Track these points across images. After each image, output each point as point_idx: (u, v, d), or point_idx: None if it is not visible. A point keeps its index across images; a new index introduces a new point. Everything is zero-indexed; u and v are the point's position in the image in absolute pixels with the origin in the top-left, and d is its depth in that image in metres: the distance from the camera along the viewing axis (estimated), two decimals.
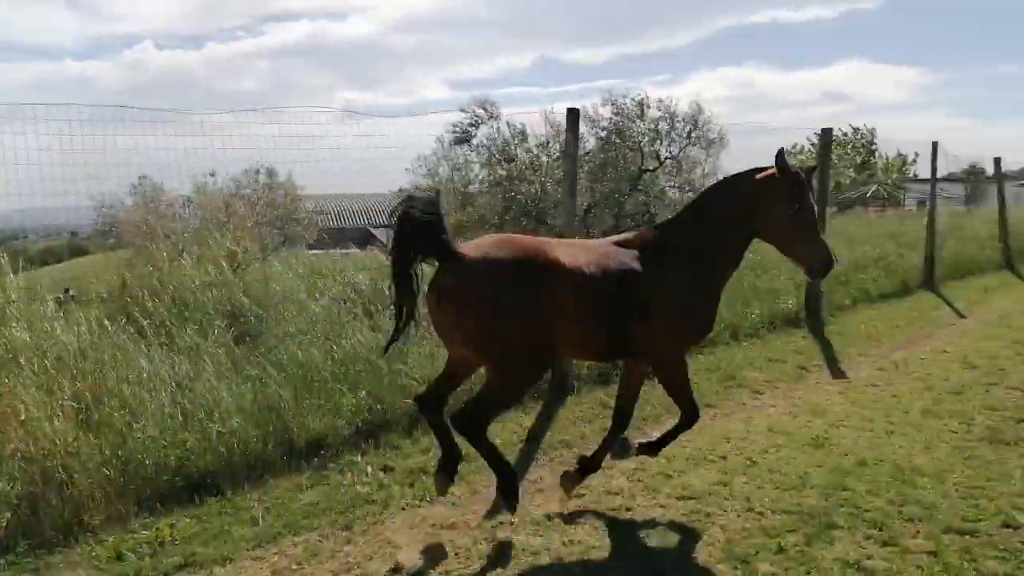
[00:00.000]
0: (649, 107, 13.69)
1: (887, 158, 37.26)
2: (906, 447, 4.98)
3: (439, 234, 3.51)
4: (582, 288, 3.61)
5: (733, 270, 4.11)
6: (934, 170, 12.64)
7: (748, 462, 4.80)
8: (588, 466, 4.18)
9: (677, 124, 13.81)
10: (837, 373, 7.09)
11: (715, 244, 3.95)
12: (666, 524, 4.02)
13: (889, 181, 35.92)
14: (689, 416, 4.09)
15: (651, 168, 13.66)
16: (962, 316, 9.91)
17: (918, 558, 3.55)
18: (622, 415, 4.25)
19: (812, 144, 27.97)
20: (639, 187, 13.24)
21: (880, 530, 3.83)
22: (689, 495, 4.35)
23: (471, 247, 3.61)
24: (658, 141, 13.90)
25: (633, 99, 13.62)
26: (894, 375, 6.93)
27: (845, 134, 36.72)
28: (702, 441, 5.19)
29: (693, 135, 13.92)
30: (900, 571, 3.46)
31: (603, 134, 13.55)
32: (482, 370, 3.97)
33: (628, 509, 4.21)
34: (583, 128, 8.37)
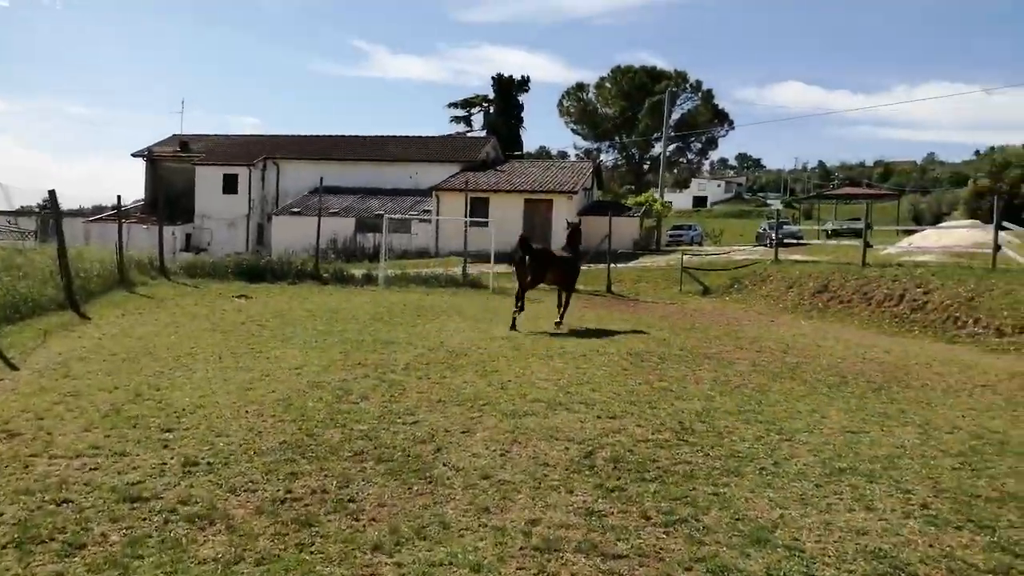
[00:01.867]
0: None
1: None
2: None
3: (530, 246, 13.26)
4: (556, 263, 13.58)
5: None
6: None
7: None
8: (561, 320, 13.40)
9: None
10: None
11: (575, 246, 14.48)
12: None
13: None
14: (569, 302, 13.91)
15: None
16: (14, 367, 8.57)
17: None
18: (560, 305, 13.77)
19: None
20: None
21: None
22: None
23: (536, 249, 13.54)
24: None
25: None
26: None
27: None
28: None
29: None
30: None
31: None
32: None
33: None
34: None
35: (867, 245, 19.41)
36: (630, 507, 4.61)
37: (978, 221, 27.71)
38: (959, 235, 22.84)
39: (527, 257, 13.17)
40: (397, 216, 32.23)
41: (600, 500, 4.72)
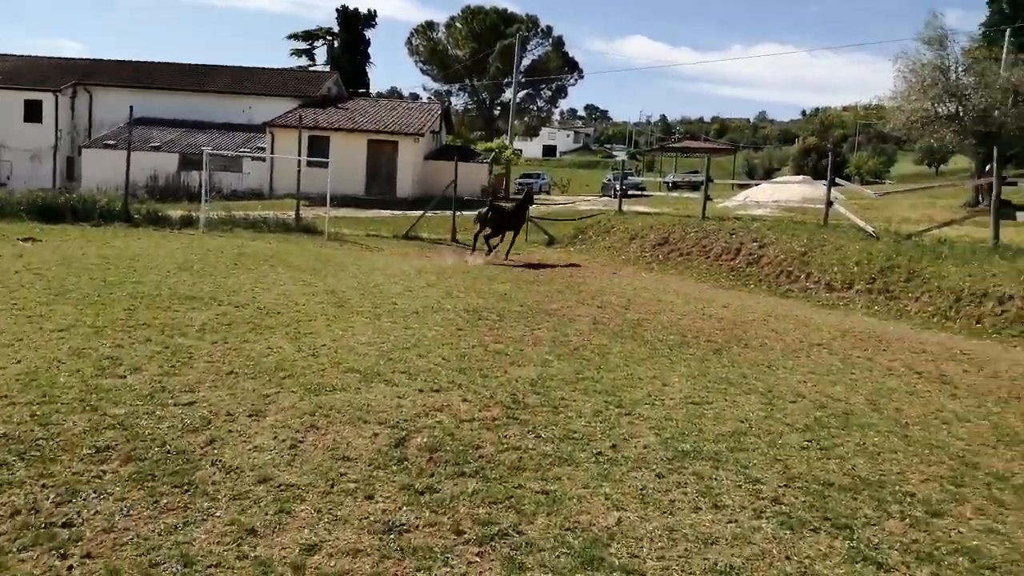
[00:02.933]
0: None
1: None
2: None
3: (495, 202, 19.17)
4: (508, 215, 17.69)
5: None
6: None
7: None
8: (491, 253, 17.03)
9: None
10: None
11: (526, 203, 18.54)
12: None
13: None
14: (515, 240, 18.29)
15: None
16: None
17: None
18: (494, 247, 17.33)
19: None
20: None
21: None
22: None
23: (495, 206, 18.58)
24: None
25: None
26: None
27: None
28: None
29: None
30: None
31: None
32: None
33: None
34: None
35: (707, 198, 19.52)
36: (441, 517, 3.73)
37: (808, 177, 28.93)
38: (792, 190, 23.61)
39: (490, 213, 17.44)
40: (225, 152, 29.60)
41: (405, 508, 3.81)
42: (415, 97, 79.69)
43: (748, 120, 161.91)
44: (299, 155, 21.22)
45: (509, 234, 17.72)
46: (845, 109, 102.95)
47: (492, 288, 11.97)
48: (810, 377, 7.21)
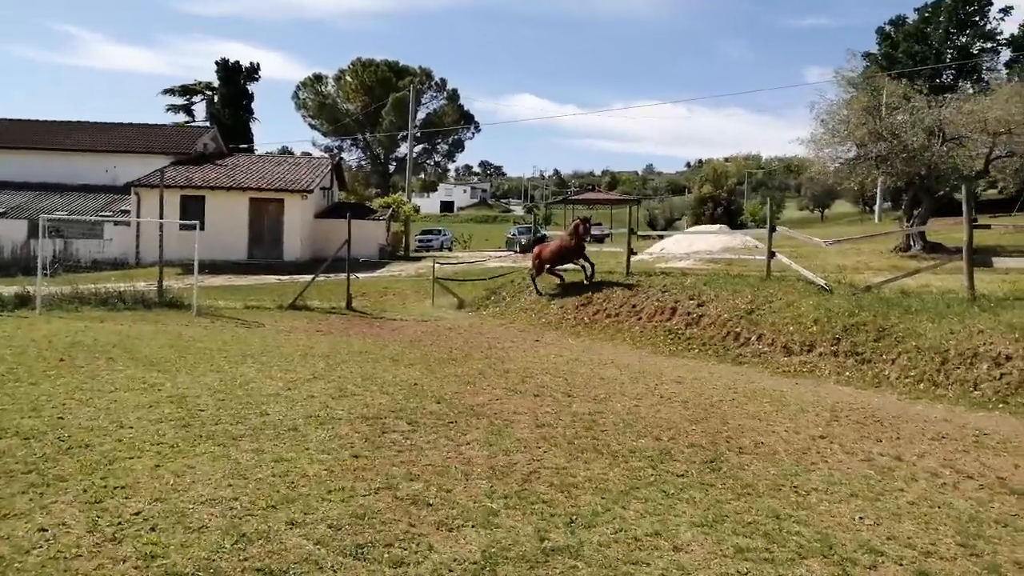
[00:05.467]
0: None
1: None
2: None
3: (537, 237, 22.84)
4: (559, 250, 17.82)
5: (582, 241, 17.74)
6: None
7: None
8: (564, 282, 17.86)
9: None
10: None
11: (578, 237, 17.55)
12: None
13: None
14: (588, 266, 17.39)
15: None
16: None
17: None
18: (586, 274, 17.29)
19: None
20: None
21: None
22: None
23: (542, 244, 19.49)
24: None
25: None
26: None
27: None
28: None
29: None
30: None
31: None
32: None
33: None
34: None
35: (631, 252, 17.75)
36: None
37: (724, 226, 27.92)
38: (710, 240, 22.27)
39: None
40: (82, 217, 26.02)
41: None
42: (306, 155, 76.62)
43: (637, 172, 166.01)
44: (161, 216, 18.17)
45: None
46: (727, 160, 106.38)
47: (398, 375, 9.52)
48: (859, 507, 5.12)
